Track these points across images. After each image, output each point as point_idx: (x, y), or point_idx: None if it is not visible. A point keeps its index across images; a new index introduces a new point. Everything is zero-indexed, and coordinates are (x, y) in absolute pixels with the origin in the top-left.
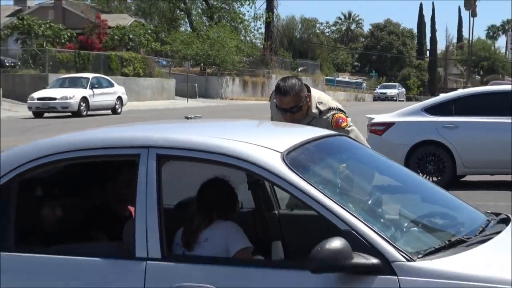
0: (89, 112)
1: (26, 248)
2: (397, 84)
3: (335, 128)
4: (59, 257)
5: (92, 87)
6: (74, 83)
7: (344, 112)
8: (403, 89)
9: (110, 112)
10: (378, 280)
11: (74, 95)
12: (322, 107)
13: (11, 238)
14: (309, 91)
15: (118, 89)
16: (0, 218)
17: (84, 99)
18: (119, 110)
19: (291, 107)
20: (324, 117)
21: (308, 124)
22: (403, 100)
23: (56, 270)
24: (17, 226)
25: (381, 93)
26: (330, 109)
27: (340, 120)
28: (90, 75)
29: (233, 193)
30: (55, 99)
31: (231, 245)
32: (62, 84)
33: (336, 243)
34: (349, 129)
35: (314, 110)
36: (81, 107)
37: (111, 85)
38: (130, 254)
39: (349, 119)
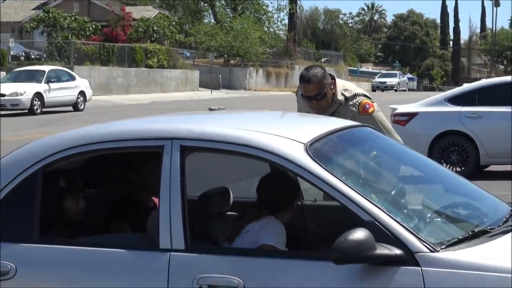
0: (46, 109)
1: (51, 239)
2: (398, 72)
3: (362, 113)
4: (83, 248)
5: (48, 81)
6: (29, 76)
7: (370, 98)
8: (405, 78)
9: (71, 108)
10: (401, 271)
11: (26, 90)
12: (347, 94)
13: (36, 229)
14: (333, 79)
15: (81, 83)
16: (25, 210)
17: (38, 95)
18: (82, 106)
19: (315, 94)
20: (350, 103)
21: (335, 111)
22: (404, 90)
23: (81, 261)
24: (42, 218)
25: (380, 82)
26: (355, 95)
27: (367, 106)
28: (47, 68)
29: (289, 191)
30: (3, 95)
31: (260, 238)
32: (16, 78)
33: (359, 234)
34: (377, 114)
35: (340, 97)
36: (34, 104)
37: (72, 78)
38: (154, 245)
39: (375, 104)
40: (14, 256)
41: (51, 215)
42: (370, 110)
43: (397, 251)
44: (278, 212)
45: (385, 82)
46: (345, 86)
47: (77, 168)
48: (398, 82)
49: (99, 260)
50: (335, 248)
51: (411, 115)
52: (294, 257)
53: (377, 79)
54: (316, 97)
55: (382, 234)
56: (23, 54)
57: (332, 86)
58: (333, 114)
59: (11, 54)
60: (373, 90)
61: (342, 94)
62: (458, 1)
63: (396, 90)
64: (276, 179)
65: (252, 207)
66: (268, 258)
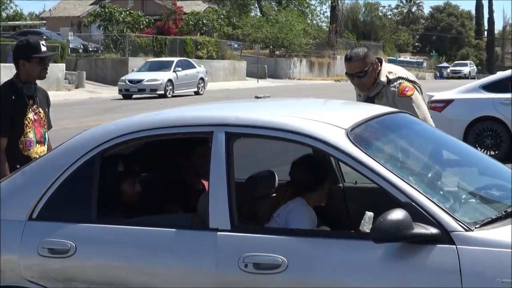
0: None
1: (107, 219)
2: (468, 62)
3: (400, 95)
4: (138, 228)
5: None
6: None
7: (414, 82)
8: (474, 67)
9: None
10: (437, 249)
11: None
12: (391, 76)
13: (94, 210)
14: (380, 62)
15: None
16: (84, 192)
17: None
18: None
19: (356, 72)
20: (392, 85)
21: (379, 92)
22: (474, 78)
23: (135, 240)
24: (100, 199)
25: (453, 71)
26: (399, 78)
27: (407, 89)
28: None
29: (317, 173)
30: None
31: (288, 222)
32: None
33: (398, 214)
34: (415, 98)
35: (383, 78)
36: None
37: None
38: (203, 225)
39: (417, 89)
40: (74, 235)
41: (108, 197)
42: (409, 93)
43: (433, 230)
44: (307, 192)
45: (460, 72)
46: (391, 69)
47: (132, 153)
48: (469, 71)
49: (152, 239)
50: (375, 228)
51: (447, 102)
52: (336, 237)
53: (452, 68)
54: (357, 75)
55: (419, 214)
56: (81, 46)
57: (376, 66)
58: (377, 95)
59: (70, 47)
60: (443, 77)
61: (386, 76)
62: None
63: (467, 78)
64: (305, 162)
65: (283, 189)
66: (311, 237)
